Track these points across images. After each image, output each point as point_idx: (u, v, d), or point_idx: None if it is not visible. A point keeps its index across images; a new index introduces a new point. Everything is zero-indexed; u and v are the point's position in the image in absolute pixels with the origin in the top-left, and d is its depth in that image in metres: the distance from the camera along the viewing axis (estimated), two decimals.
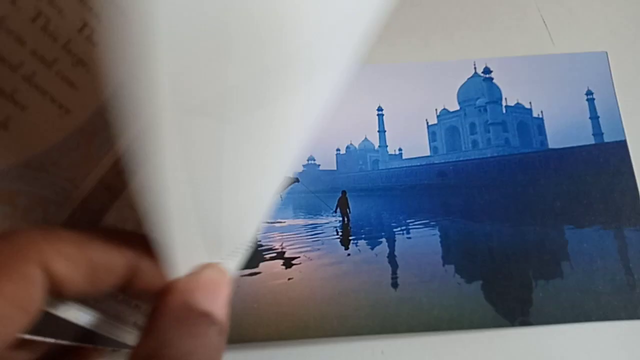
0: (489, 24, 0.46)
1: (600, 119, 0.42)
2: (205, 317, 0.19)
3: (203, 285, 0.20)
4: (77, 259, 0.17)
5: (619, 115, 0.42)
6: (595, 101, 0.42)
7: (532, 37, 0.45)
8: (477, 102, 0.46)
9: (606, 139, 0.41)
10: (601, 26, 0.45)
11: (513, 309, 0.36)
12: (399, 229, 0.41)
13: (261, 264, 0.39)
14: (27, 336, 0.16)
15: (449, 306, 0.36)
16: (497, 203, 0.40)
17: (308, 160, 0.43)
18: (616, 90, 0.42)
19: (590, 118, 0.42)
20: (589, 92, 0.43)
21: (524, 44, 0.45)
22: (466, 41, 0.45)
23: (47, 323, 0.17)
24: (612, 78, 0.43)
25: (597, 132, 0.42)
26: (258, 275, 0.38)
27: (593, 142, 0.41)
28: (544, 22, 0.45)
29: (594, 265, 0.37)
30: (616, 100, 0.42)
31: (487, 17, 0.46)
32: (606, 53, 0.44)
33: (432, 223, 0.40)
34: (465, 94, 0.45)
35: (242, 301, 0.36)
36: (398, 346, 0.35)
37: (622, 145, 0.41)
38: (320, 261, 0.39)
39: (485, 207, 0.40)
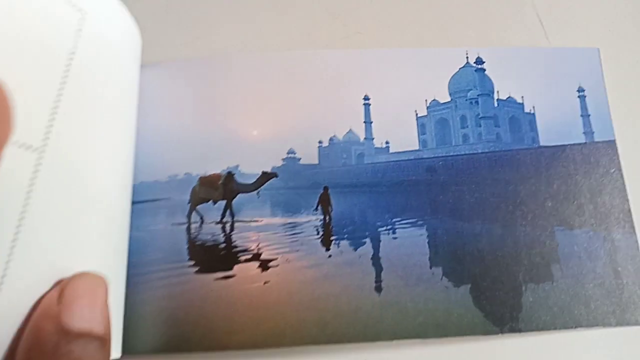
0: (482, 13, 0.43)
1: (591, 117, 0.41)
2: (83, 336, 0.18)
3: (75, 301, 0.19)
4: None
5: (609, 114, 0.40)
6: (587, 99, 0.41)
7: (526, 30, 0.43)
8: (469, 94, 0.44)
9: (597, 138, 0.40)
10: (595, 22, 0.44)
11: (502, 314, 0.34)
12: (384, 228, 0.38)
13: (235, 266, 0.35)
14: None
15: (436, 311, 0.34)
16: (487, 202, 0.38)
17: (287, 154, 0.39)
18: (607, 88, 0.41)
19: (581, 116, 0.41)
20: (580, 89, 0.41)
21: (517, 36, 0.43)
22: (458, 29, 0.43)
23: None
24: (603, 75, 0.41)
25: (588, 130, 0.40)
26: (232, 279, 0.35)
27: (584, 140, 0.40)
28: (538, 15, 0.43)
29: (583, 268, 0.36)
30: (607, 99, 0.41)
31: (480, 5, 0.44)
32: (598, 50, 0.42)
33: (420, 222, 0.38)
34: (456, 85, 0.43)
35: (214, 306, 0.33)
36: (381, 355, 0.33)
37: (611, 145, 0.39)
38: (299, 263, 0.36)
39: (475, 205, 0.38)
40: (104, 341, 0.19)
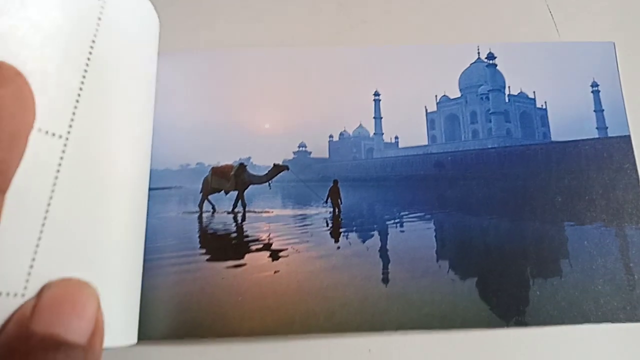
0: (492, 7, 0.43)
1: (604, 112, 0.40)
2: (48, 343, 0.17)
3: (44, 308, 0.18)
4: None
5: (624, 109, 0.40)
6: (601, 93, 0.41)
7: (536, 24, 0.43)
8: (480, 90, 0.44)
9: (610, 133, 0.40)
10: (609, 16, 0.43)
11: (508, 308, 0.34)
12: (392, 221, 0.39)
13: (247, 255, 0.37)
14: None
15: (442, 303, 0.34)
16: (495, 197, 0.38)
17: (299, 147, 0.40)
18: (622, 82, 0.41)
19: (594, 111, 0.40)
20: (594, 84, 0.41)
21: (528, 31, 0.42)
22: (468, 24, 0.43)
23: None
24: (618, 70, 0.41)
25: (601, 125, 0.40)
26: (243, 267, 0.36)
27: (597, 135, 0.40)
28: (549, 9, 0.43)
29: (594, 264, 0.36)
30: (622, 94, 0.40)
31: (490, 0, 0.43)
32: (613, 44, 0.42)
33: (427, 216, 0.39)
34: (467, 80, 0.43)
35: (226, 294, 0.34)
36: (386, 344, 0.34)
37: (626, 140, 0.39)
38: (308, 254, 0.37)
39: (483, 200, 0.38)
40: (75, 351, 0.18)
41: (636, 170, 0.38)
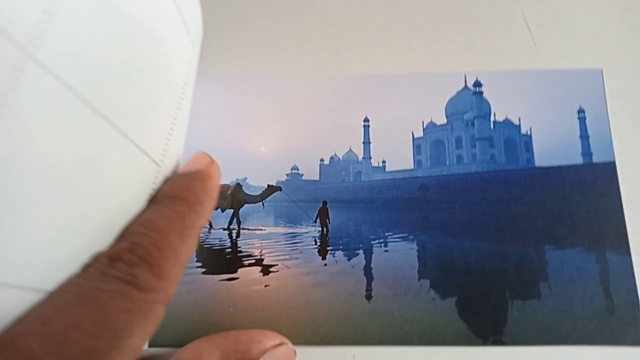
0: (478, 36, 0.45)
1: (590, 139, 0.41)
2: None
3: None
4: None
5: (610, 135, 0.41)
6: (587, 120, 0.42)
7: (523, 52, 0.44)
8: (465, 116, 0.46)
9: (595, 160, 0.40)
10: (596, 43, 0.44)
11: (486, 327, 0.36)
12: (376, 241, 0.41)
13: (240, 270, 0.39)
14: None
15: (422, 321, 0.36)
16: (478, 220, 0.40)
17: (292, 169, 0.43)
18: (609, 109, 0.42)
19: (580, 137, 0.41)
20: (580, 110, 0.42)
21: (515, 59, 0.44)
22: (454, 54, 0.45)
23: None
24: (605, 97, 0.42)
25: (586, 151, 0.41)
26: (236, 281, 0.38)
27: (581, 162, 0.41)
28: (531, 35, 0.44)
29: (573, 287, 0.37)
30: (608, 120, 0.41)
31: (475, 30, 0.45)
32: (601, 71, 0.43)
33: (411, 237, 0.40)
34: (453, 107, 0.45)
35: (218, 305, 0.37)
36: (370, 352, 0.35)
37: (610, 166, 0.40)
38: (297, 270, 0.39)
39: (465, 223, 0.40)
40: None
41: (620, 197, 0.39)
